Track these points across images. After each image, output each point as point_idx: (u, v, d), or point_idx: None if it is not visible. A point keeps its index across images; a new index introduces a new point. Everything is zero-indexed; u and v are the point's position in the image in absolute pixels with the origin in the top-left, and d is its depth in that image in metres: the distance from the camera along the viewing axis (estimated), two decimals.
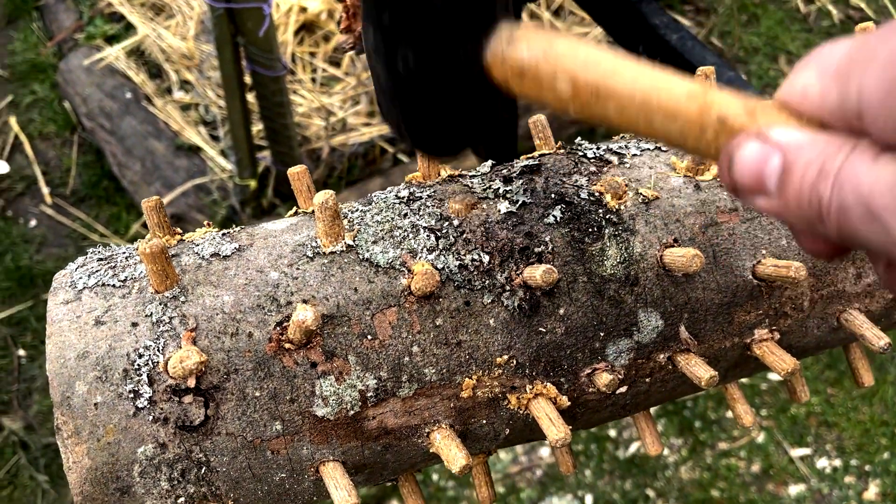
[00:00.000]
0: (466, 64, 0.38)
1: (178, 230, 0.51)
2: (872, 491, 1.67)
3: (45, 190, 2.17)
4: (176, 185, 2.03)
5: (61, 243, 2.09)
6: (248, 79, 1.78)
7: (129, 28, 2.33)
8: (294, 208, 0.53)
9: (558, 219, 0.49)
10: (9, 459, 1.76)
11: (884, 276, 0.32)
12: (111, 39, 2.31)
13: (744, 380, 1.81)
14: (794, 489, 1.68)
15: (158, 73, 2.26)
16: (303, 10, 2.25)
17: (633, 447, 1.74)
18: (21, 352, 1.90)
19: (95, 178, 2.17)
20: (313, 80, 2.21)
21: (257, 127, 1.99)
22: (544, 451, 1.76)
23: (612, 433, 1.76)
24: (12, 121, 2.29)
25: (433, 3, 0.36)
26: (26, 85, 2.37)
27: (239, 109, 1.77)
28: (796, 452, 1.73)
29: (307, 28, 2.28)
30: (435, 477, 1.72)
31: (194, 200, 2.00)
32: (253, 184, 1.94)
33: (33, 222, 2.13)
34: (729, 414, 1.78)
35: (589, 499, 1.68)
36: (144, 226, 2.05)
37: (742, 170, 0.30)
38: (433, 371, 0.47)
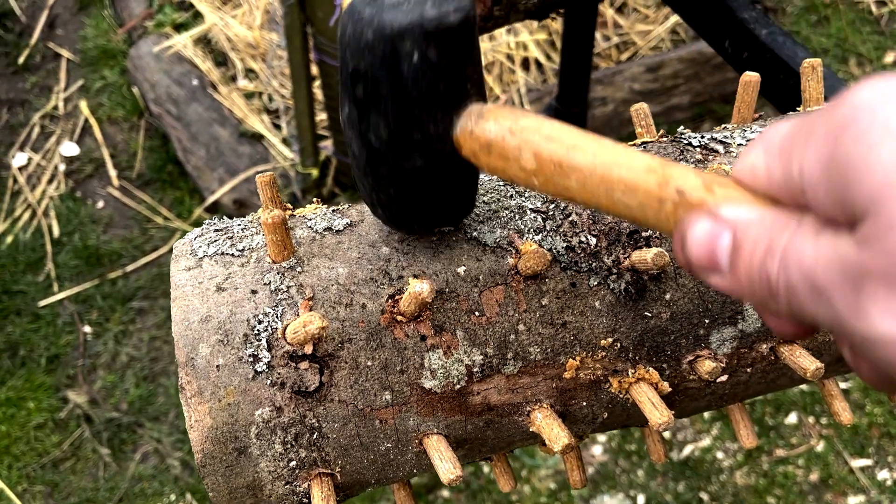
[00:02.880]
0: (437, 138, 0.40)
1: (289, 205, 0.52)
2: None
3: (113, 172, 2.23)
4: (239, 171, 2.07)
5: (126, 225, 2.15)
6: (314, 69, 1.80)
7: (198, 16, 2.38)
8: None
9: None
10: (72, 432, 1.82)
11: (850, 359, 0.31)
12: (180, 27, 2.37)
13: (804, 386, 1.78)
14: (854, 500, 1.64)
15: (224, 62, 2.30)
16: None
17: (688, 449, 1.72)
18: (87, 328, 1.96)
19: (161, 162, 2.23)
20: None
21: (320, 116, 2.01)
22: (596, 450, 1.75)
23: (667, 434, 1.74)
24: (83, 105, 2.36)
25: (404, 81, 0.38)
26: (97, 70, 2.44)
27: (305, 98, 1.79)
28: (857, 463, 1.69)
29: None
30: (486, 469, 1.72)
31: (256, 187, 2.04)
32: (315, 172, 1.97)
33: (101, 203, 2.19)
34: (788, 420, 1.75)
35: (641, 499, 1.67)
36: (207, 210, 2.10)
37: (694, 247, 0.30)
38: (538, 350, 0.47)
